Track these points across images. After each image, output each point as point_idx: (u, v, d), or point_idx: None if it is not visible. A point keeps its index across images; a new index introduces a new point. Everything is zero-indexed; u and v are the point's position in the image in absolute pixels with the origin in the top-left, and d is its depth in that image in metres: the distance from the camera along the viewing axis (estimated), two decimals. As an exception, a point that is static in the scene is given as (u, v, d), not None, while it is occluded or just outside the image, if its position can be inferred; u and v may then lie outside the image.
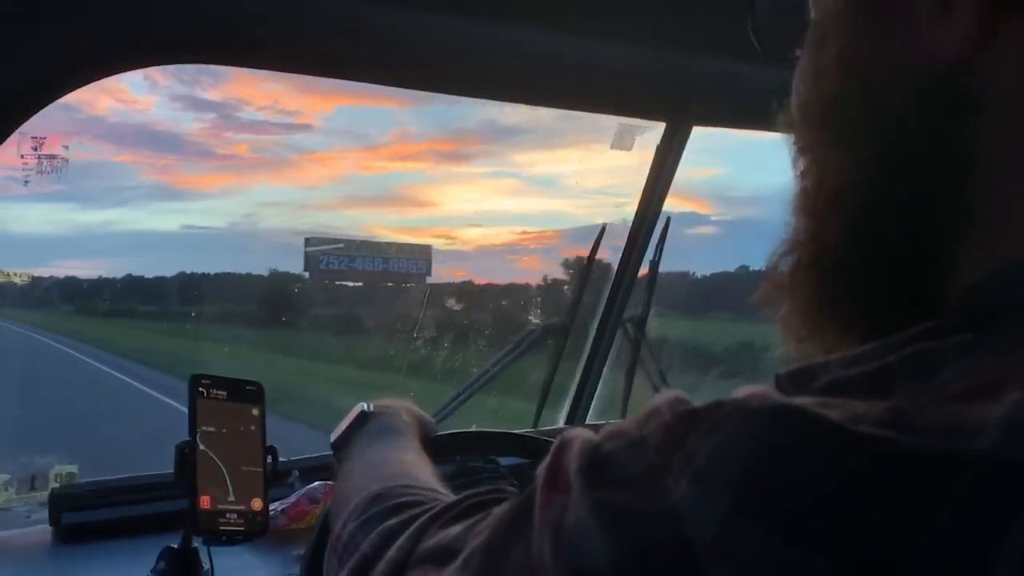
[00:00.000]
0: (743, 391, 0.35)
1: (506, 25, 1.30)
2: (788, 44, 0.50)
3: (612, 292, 2.08)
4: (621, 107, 1.74)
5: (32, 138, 1.29)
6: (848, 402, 0.33)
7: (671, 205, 1.95)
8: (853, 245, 0.43)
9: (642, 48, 1.43)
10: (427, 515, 0.53)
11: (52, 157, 1.31)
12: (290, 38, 1.30)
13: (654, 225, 1.98)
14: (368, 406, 0.88)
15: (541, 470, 0.40)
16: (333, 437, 0.88)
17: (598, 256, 2.09)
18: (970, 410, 0.31)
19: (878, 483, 0.30)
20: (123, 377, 10.20)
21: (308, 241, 3.50)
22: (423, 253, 3.72)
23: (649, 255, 2.06)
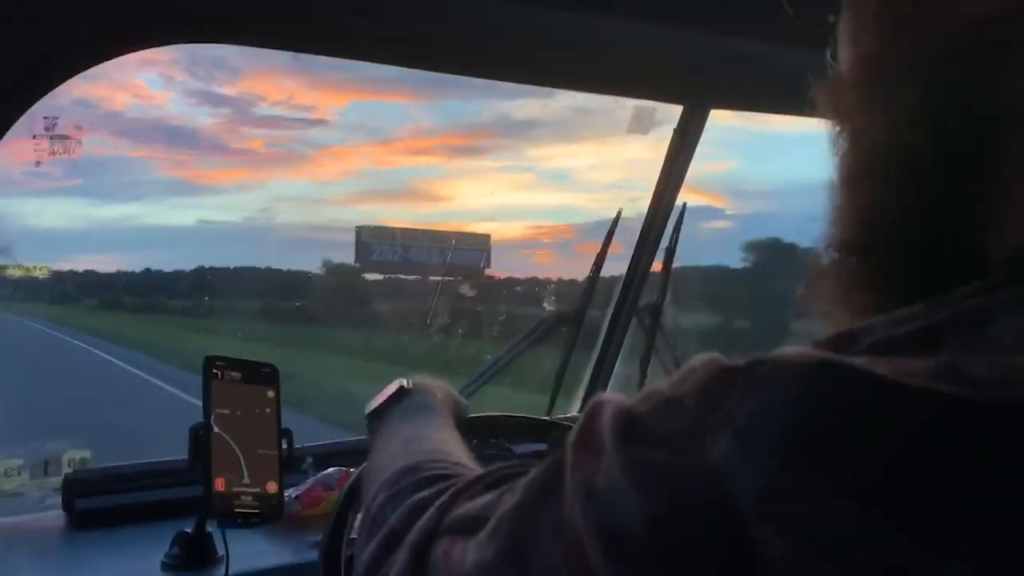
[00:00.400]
0: (784, 350, 0.34)
1: (521, 5, 1.28)
2: (823, 9, 0.49)
3: (627, 279, 2.06)
4: (638, 89, 1.72)
5: (44, 118, 1.28)
6: (895, 360, 0.32)
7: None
8: (894, 212, 0.42)
9: (660, 29, 1.41)
10: (455, 488, 0.53)
11: (65, 138, 1.30)
12: (301, 16, 1.28)
13: (670, 211, 1.96)
14: (407, 382, 0.88)
15: (572, 434, 0.39)
16: (370, 408, 0.87)
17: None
18: None
19: (933, 437, 0.29)
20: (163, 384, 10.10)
21: (361, 231, 3.33)
22: (481, 243, 3.33)
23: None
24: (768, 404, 0.32)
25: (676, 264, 2.11)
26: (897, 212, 0.42)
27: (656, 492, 0.33)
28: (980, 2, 0.39)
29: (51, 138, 1.29)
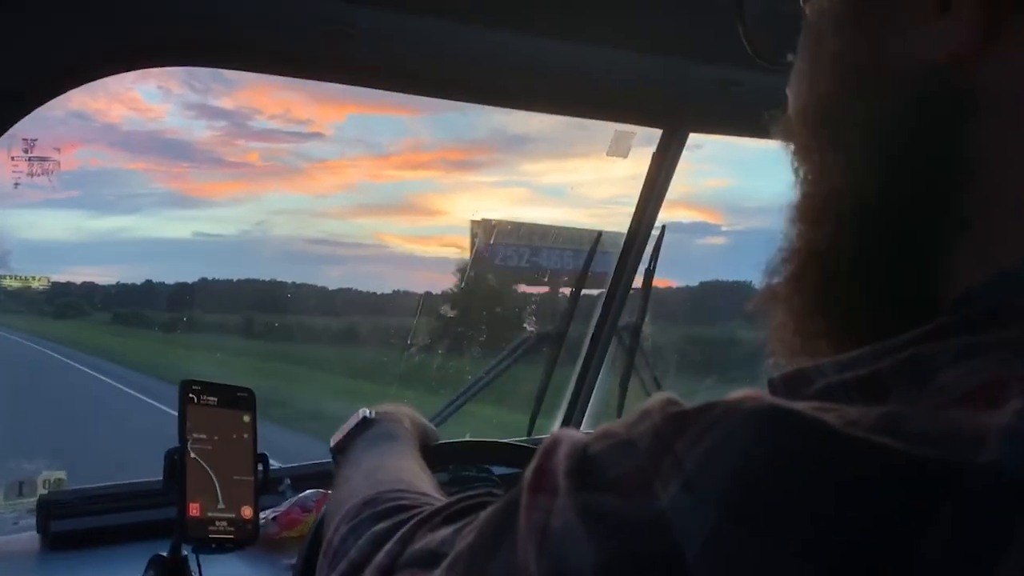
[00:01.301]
0: (736, 394, 0.34)
1: (502, 31, 1.29)
2: (781, 49, 0.49)
3: (607, 299, 2.07)
4: (617, 113, 1.73)
5: (24, 139, 1.28)
6: (842, 408, 0.32)
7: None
8: (848, 250, 0.42)
9: (639, 54, 1.43)
10: (415, 519, 0.53)
11: (43, 159, 1.30)
12: (285, 41, 1.29)
13: (650, 232, 1.98)
14: (370, 412, 0.88)
15: (528, 472, 0.39)
16: (333, 441, 0.87)
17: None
18: (969, 418, 0.30)
19: (872, 492, 0.29)
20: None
21: (477, 225, 2.66)
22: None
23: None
24: (716, 452, 0.32)
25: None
26: (850, 251, 0.42)
27: (605, 538, 0.33)
28: (937, 48, 0.39)
29: (29, 160, 1.28)
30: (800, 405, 0.32)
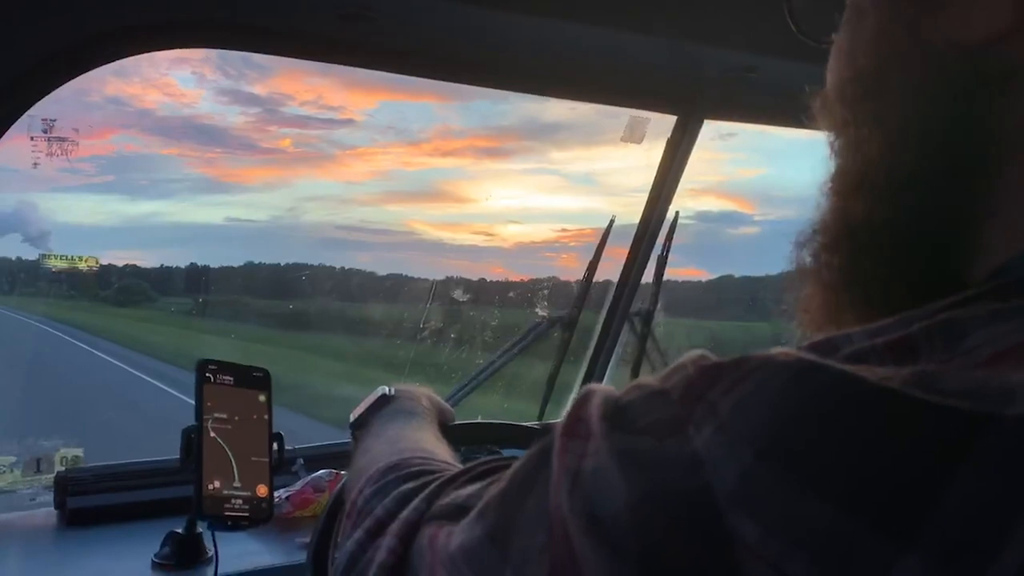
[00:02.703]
0: (769, 350, 0.35)
1: (517, 15, 1.29)
2: (824, 27, 0.50)
3: (619, 286, 2.07)
4: (632, 99, 1.73)
5: (43, 120, 1.29)
6: (873, 367, 0.33)
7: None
8: (880, 223, 0.43)
9: (654, 40, 1.43)
10: (442, 479, 0.53)
11: (62, 140, 1.31)
12: (303, 24, 1.29)
13: (663, 219, 1.98)
14: (389, 389, 0.89)
15: (561, 420, 0.40)
16: (352, 417, 0.88)
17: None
18: (997, 375, 0.30)
19: (903, 441, 0.30)
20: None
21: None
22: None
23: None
24: (750, 398, 0.33)
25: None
26: (884, 224, 0.43)
27: (639, 479, 0.34)
28: (973, 29, 0.40)
29: (48, 139, 1.30)
30: (832, 361, 0.33)
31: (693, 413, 0.34)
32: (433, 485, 0.53)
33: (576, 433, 0.38)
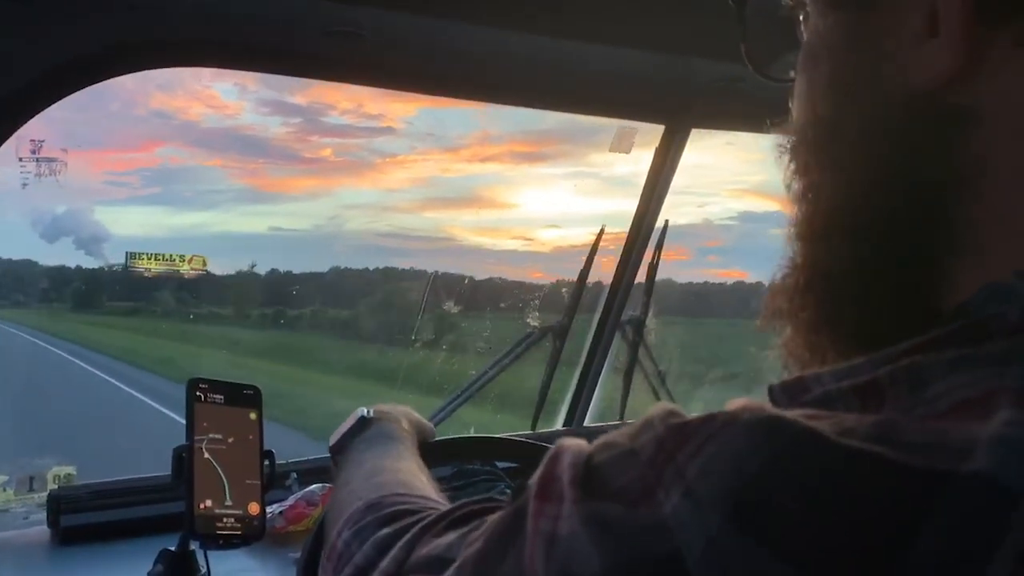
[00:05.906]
0: (736, 403, 0.36)
1: (505, 30, 1.30)
2: (780, 65, 0.50)
3: (610, 294, 2.08)
4: (620, 110, 1.74)
5: (31, 141, 1.29)
6: (838, 415, 0.33)
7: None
8: (848, 267, 0.44)
9: (640, 51, 1.43)
10: (420, 524, 0.54)
11: (51, 160, 1.32)
12: (293, 42, 1.30)
13: (653, 227, 1.98)
14: (367, 411, 0.88)
15: (534, 480, 0.41)
16: (331, 441, 0.88)
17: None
18: (959, 427, 0.31)
19: (864, 502, 0.30)
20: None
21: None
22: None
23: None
24: (714, 461, 0.33)
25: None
26: (852, 267, 0.44)
27: (611, 546, 0.35)
28: (925, 72, 0.40)
29: (36, 160, 1.30)
30: (796, 413, 0.34)
31: (662, 477, 0.35)
32: (411, 533, 0.53)
33: (548, 496, 0.39)
